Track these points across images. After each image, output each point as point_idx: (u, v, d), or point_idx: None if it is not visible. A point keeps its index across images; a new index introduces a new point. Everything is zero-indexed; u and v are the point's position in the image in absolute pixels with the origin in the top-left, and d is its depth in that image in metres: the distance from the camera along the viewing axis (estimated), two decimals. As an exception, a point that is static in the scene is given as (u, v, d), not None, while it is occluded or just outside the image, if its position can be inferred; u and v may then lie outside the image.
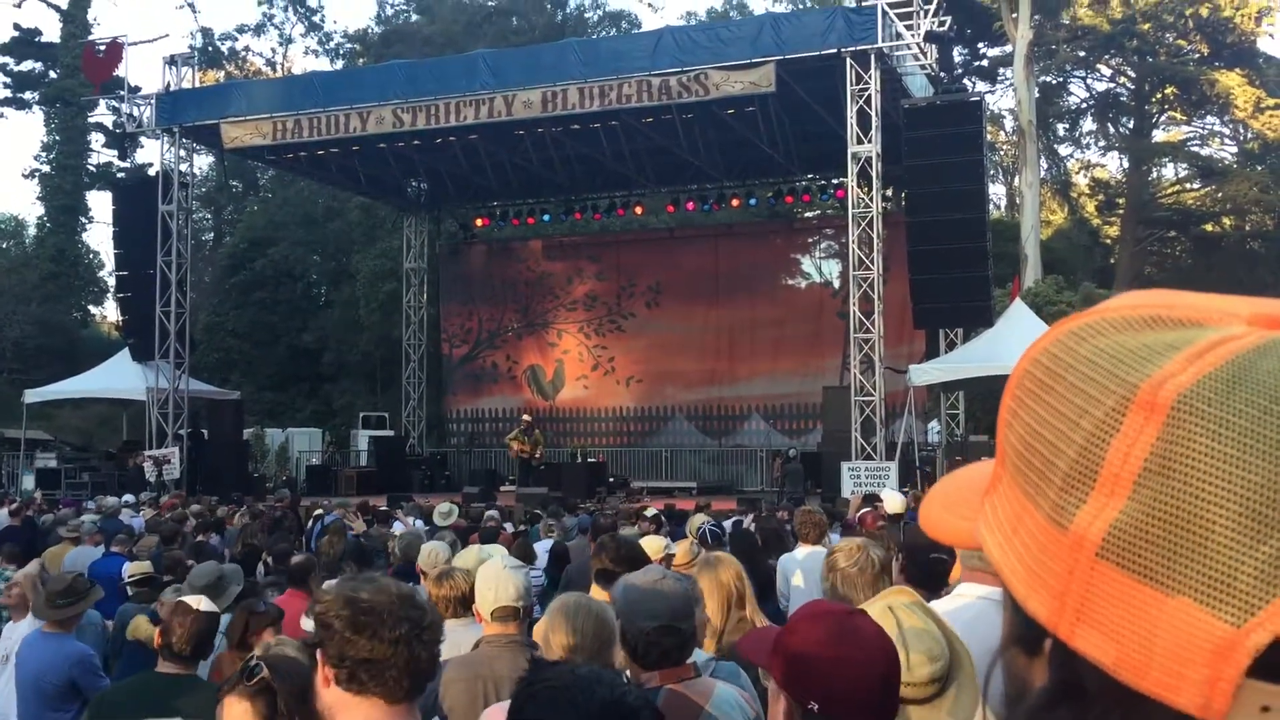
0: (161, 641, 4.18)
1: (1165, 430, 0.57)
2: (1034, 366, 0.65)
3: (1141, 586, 0.57)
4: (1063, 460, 0.61)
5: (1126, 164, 39.07)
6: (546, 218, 28.60)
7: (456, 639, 4.42)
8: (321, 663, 2.15)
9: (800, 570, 6.82)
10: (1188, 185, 38.90)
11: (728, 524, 9.44)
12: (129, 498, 17.04)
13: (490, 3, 44.59)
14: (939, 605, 3.18)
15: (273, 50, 50.97)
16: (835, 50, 18.99)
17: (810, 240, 28.71)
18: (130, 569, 7.96)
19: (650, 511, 11.15)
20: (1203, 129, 38.43)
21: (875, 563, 3.66)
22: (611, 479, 23.93)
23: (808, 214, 31.17)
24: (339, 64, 45.88)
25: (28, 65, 44.66)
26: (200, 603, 4.26)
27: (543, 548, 9.59)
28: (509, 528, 11.78)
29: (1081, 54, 35.59)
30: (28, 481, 24.16)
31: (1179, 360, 0.59)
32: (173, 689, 4.05)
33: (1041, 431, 0.63)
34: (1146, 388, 0.59)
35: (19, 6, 44.65)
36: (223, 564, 5.16)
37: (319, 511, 14.87)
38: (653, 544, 5.83)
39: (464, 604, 4.63)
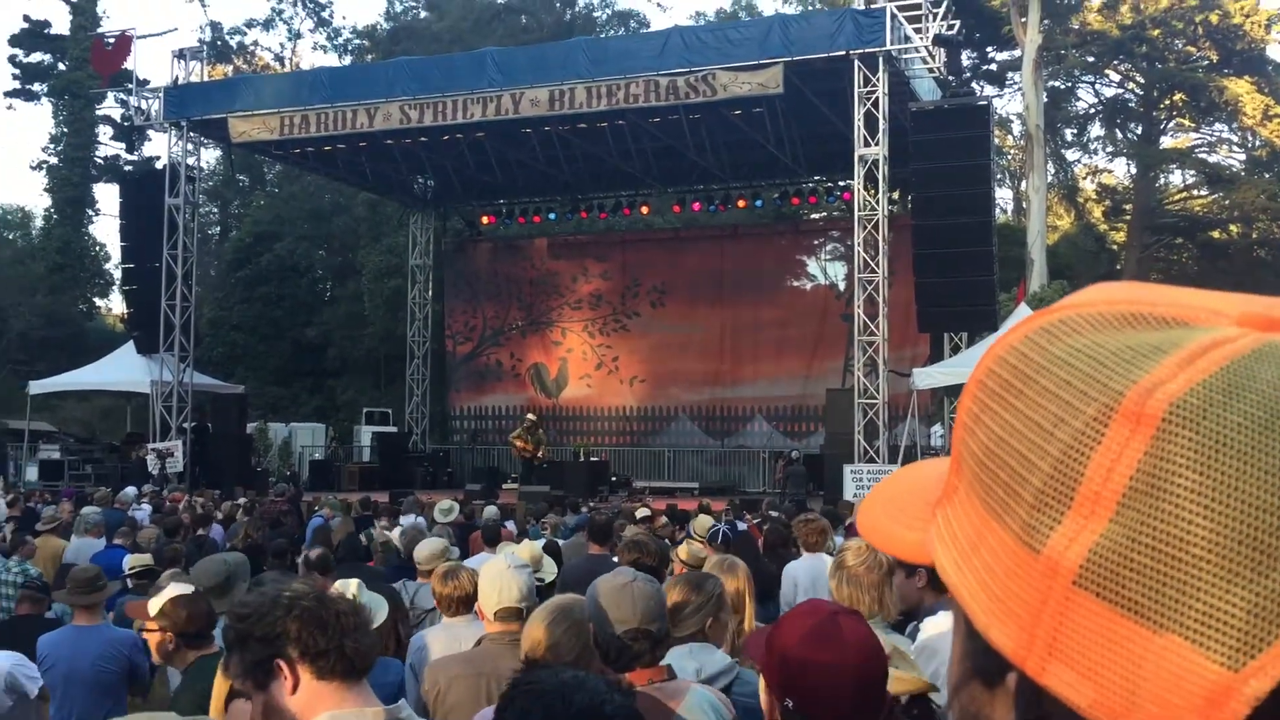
0: (177, 635, 4.12)
1: (1154, 444, 0.51)
2: (1000, 366, 0.58)
3: (1124, 620, 0.50)
4: (1035, 475, 0.54)
5: (1134, 170, 38.98)
6: (552, 216, 28.61)
7: (458, 634, 4.43)
8: (285, 670, 2.19)
9: (805, 577, 6.84)
10: (1195, 192, 38.83)
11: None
12: (131, 490, 17.06)
13: (499, 1, 44.61)
14: (931, 627, 3.18)
15: (281, 45, 51.13)
16: (844, 52, 18.98)
17: (815, 242, 28.69)
18: (131, 561, 7.97)
19: (642, 513, 11.08)
20: (1211, 136, 38.36)
21: (883, 563, 3.61)
22: (614, 478, 23.95)
23: (813, 216, 31.12)
24: (347, 60, 45.95)
25: (37, 57, 44.71)
26: (183, 589, 4.20)
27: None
28: (511, 526, 11.79)
29: (1090, 59, 35.53)
30: (31, 473, 24.23)
31: (1169, 365, 0.52)
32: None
33: (1009, 441, 0.56)
34: (1133, 395, 0.52)
35: (28, -2, 44.55)
36: (226, 557, 5.09)
37: (317, 508, 14.94)
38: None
39: (466, 603, 4.63)
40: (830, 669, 1.93)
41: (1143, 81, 36.80)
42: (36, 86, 45.01)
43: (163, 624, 4.07)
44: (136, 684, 5.77)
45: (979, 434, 0.58)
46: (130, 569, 7.76)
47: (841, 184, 24.74)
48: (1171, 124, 38.37)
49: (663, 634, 2.96)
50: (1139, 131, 38.36)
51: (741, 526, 10.79)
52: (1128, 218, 38.14)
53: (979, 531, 0.57)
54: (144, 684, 5.80)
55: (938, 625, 3.16)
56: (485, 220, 29.84)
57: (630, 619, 2.87)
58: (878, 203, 19.44)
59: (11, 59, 44.58)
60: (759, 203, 26.82)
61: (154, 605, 4.13)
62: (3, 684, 5.55)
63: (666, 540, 7.90)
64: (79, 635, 5.77)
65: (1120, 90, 38.47)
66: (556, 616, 2.94)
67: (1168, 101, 36.97)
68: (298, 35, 49.93)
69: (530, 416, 24.13)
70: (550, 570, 6.50)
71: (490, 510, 12.03)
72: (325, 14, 49.35)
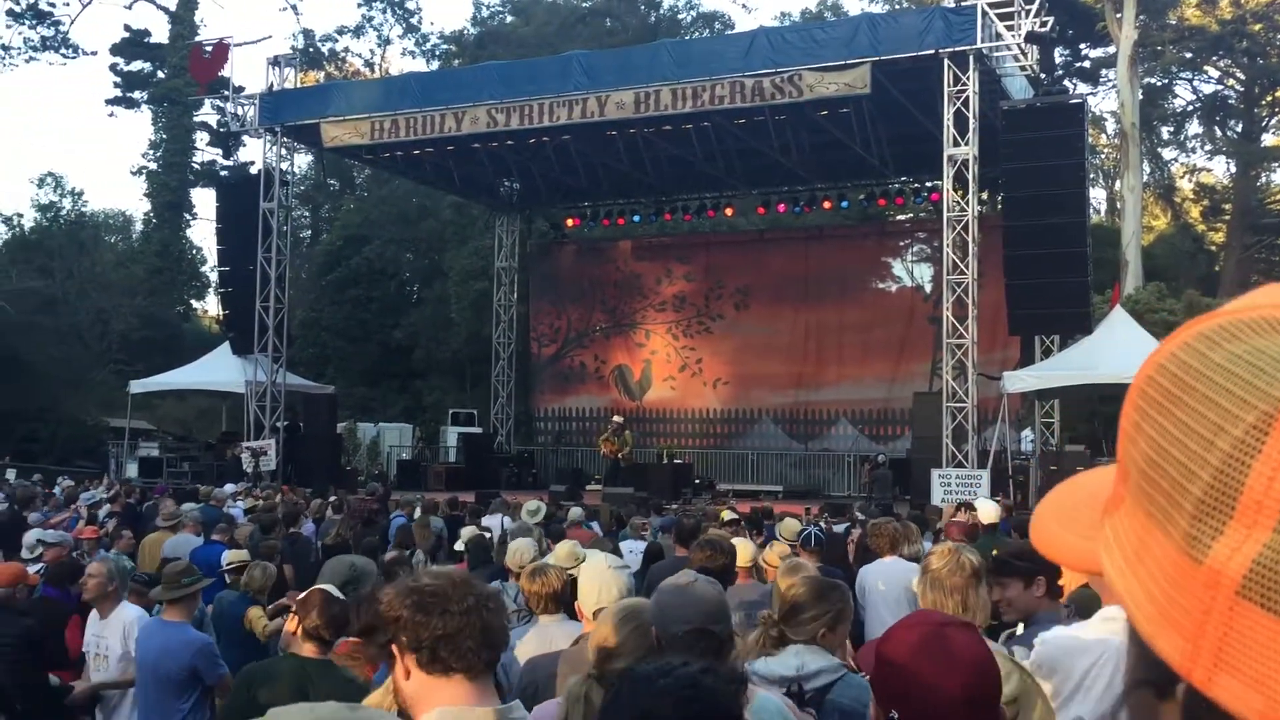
0: (301, 625, 4.24)
1: None
2: (1160, 374, 0.58)
3: None
4: (1195, 484, 0.53)
5: (1234, 168, 37.84)
6: (636, 218, 28.67)
7: (550, 635, 4.45)
8: (398, 655, 2.24)
9: (874, 581, 6.80)
10: (1298, 191, 37.58)
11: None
12: (230, 487, 17.50)
13: (584, 4, 44.87)
14: (1083, 628, 3.09)
15: (371, 51, 51.96)
16: (933, 51, 18.70)
17: (902, 243, 28.33)
18: (229, 556, 8.18)
19: (728, 515, 11.04)
20: (1316, 133, 37.13)
21: (967, 567, 3.55)
22: (697, 480, 23.91)
23: (900, 217, 30.78)
24: (435, 65, 46.58)
25: (137, 65, 46.14)
26: (333, 590, 4.36)
27: (629, 547, 9.60)
28: (596, 527, 11.83)
29: (1188, 55, 34.58)
30: (131, 470, 24.98)
31: None
32: (312, 670, 4.11)
33: (1170, 450, 0.55)
34: None
35: (129, 8, 45.99)
36: (355, 560, 5.16)
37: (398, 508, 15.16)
38: (744, 549, 5.80)
39: (556, 600, 4.65)
40: (939, 681, 1.90)
41: (1243, 78, 35.72)
42: (136, 94, 46.46)
43: (299, 610, 4.20)
44: (213, 687, 5.83)
45: (1140, 443, 0.58)
46: (228, 564, 7.97)
47: (929, 185, 24.39)
48: (1273, 121, 37.21)
49: (726, 636, 2.95)
50: (1239, 129, 37.24)
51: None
52: (1227, 218, 37.05)
53: (1142, 540, 0.57)
54: (219, 687, 5.85)
55: (1060, 639, 3.07)
56: (570, 223, 30.02)
57: (692, 619, 2.87)
58: (967, 204, 19.13)
59: (112, 67, 46.08)
60: (844, 204, 26.58)
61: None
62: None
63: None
64: (154, 629, 5.92)
65: (1219, 87, 37.40)
66: (623, 617, 2.99)
67: (1270, 98, 35.86)
68: (387, 41, 50.68)
69: (617, 419, 24.18)
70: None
71: (575, 511, 12.10)
72: (414, 20, 50.14)
